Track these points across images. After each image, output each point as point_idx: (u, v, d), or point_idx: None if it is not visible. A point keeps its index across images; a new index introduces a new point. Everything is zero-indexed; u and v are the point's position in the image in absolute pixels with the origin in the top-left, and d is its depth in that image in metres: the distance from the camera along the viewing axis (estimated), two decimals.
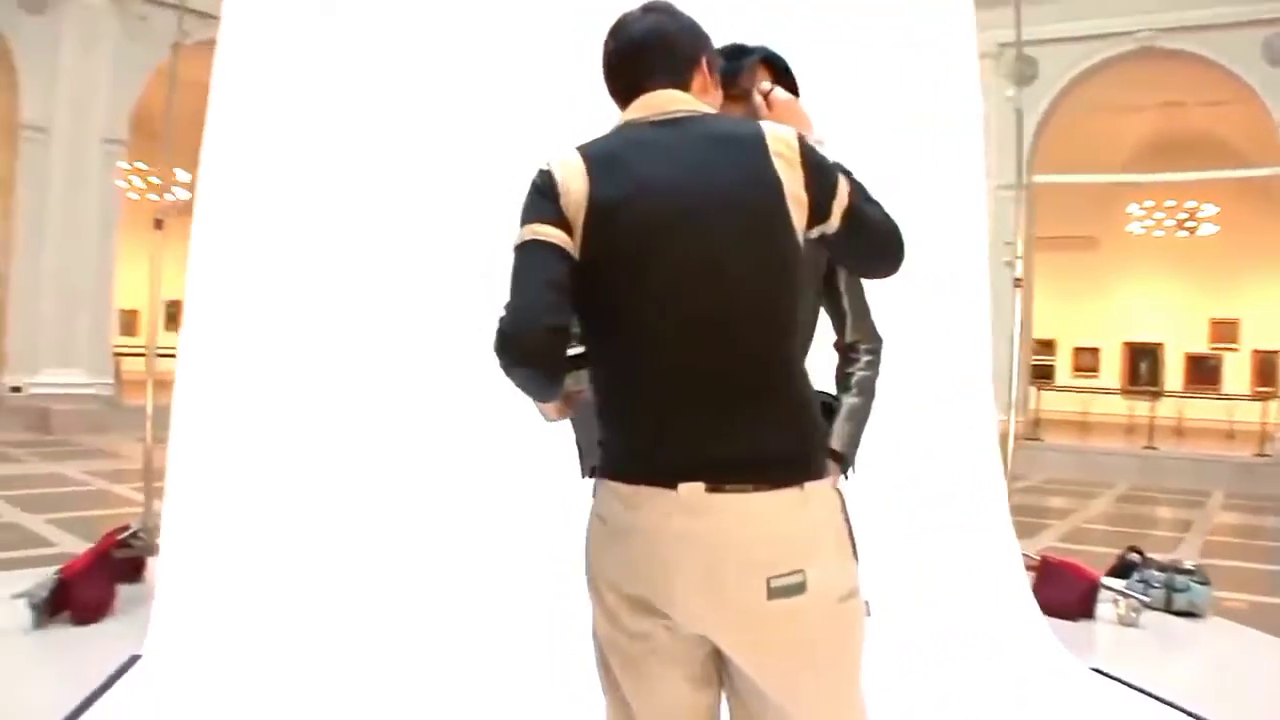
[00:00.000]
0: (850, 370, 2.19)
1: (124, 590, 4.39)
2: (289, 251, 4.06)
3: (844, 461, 2.11)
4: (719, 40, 2.08)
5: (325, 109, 4.15)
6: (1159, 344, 18.66)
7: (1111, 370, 19.21)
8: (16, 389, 12.89)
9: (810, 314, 2.13)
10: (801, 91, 2.09)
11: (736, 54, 2.07)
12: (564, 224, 1.50)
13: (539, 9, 4.17)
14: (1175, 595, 4.93)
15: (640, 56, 1.63)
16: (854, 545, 1.66)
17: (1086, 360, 19.60)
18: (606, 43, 1.68)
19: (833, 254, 1.71)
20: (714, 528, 1.46)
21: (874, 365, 2.20)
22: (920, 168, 4.21)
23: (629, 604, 1.53)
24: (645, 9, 1.69)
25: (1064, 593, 4.65)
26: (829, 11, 4.19)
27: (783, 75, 2.10)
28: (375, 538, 3.85)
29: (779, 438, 1.51)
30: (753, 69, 2.04)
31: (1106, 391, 17.62)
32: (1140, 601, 4.74)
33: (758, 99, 1.92)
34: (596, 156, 1.55)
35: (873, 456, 3.85)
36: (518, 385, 1.51)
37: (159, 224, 4.73)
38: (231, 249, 4.07)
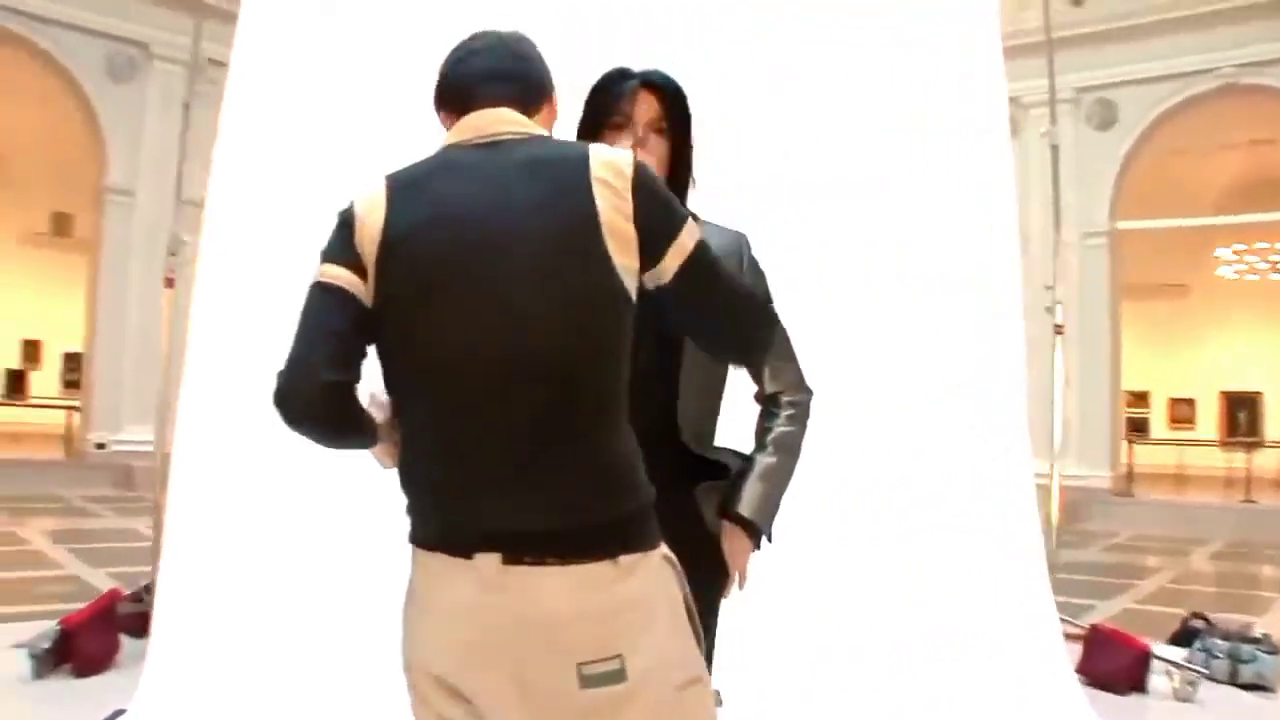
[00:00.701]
0: (769, 425, 1.97)
1: (131, 645, 4.34)
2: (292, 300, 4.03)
3: (753, 530, 1.88)
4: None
5: (335, 149, 4.14)
6: (1258, 393, 17.79)
7: (1209, 421, 18.37)
8: (101, 445, 13.22)
9: (724, 378, 1.94)
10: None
11: (619, 78, 1.88)
12: (355, 263, 1.37)
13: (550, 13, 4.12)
14: (1241, 666, 4.53)
15: (482, 75, 1.48)
16: (694, 625, 1.43)
17: (1182, 412, 18.81)
18: (443, 65, 1.53)
19: (673, 318, 1.47)
20: (514, 605, 1.29)
21: (797, 420, 1.97)
22: (949, 170, 4.08)
23: (437, 686, 1.36)
24: (487, 33, 1.54)
25: (1112, 663, 4.32)
26: (847, 12, 4.10)
27: (672, 100, 1.89)
28: (370, 600, 3.76)
29: (585, 504, 1.32)
30: (633, 94, 1.84)
31: (1204, 444, 16.81)
32: (1198, 673, 4.36)
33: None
34: (400, 183, 1.41)
35: (900, 453, 3.74)
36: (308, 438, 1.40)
37: (170, 283, 4.73)
38: (235, 297, 4.06)
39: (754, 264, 1.94)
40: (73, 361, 17.19)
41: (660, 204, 1.39)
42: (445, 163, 1.43)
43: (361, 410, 1.41)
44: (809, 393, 2.01)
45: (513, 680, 1.31)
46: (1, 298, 17.68)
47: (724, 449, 1.95)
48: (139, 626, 4.52)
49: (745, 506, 1.87)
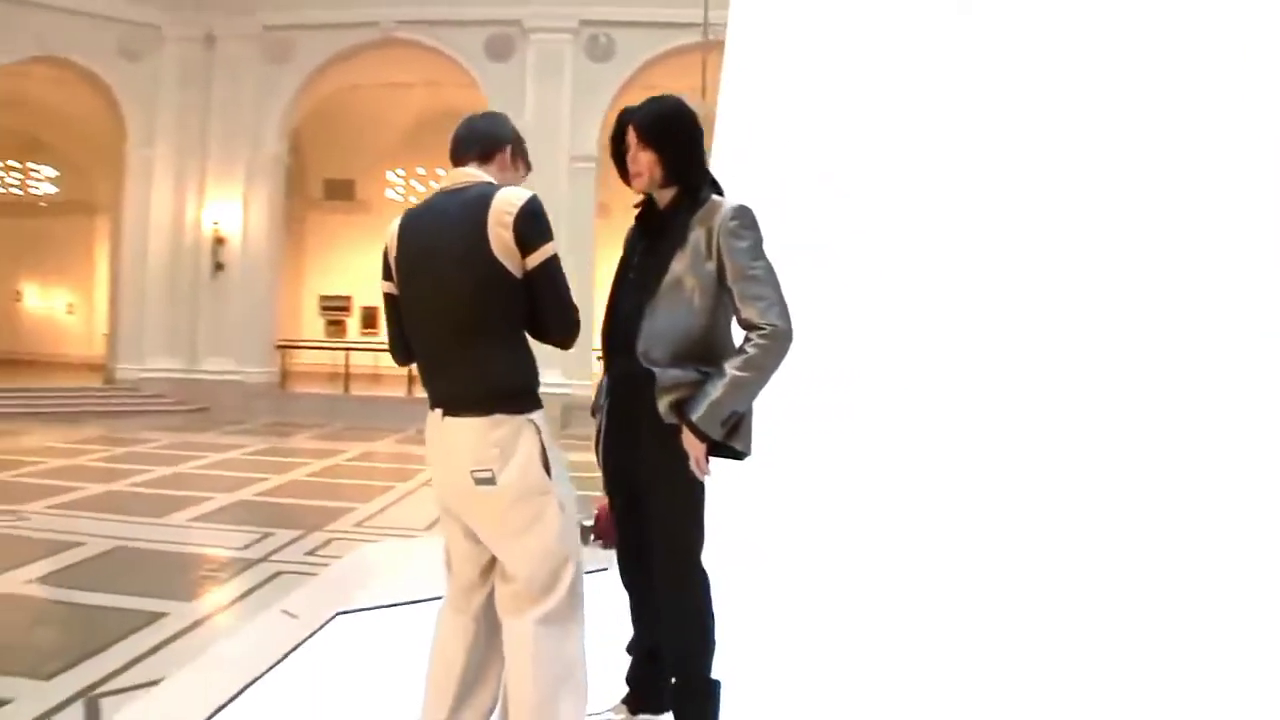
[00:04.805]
0: (739, 348, 2.57)
1: None
2: None
3: (697, 430, 2.53)
4: None
5: (826, 115, 4.56)
6: None
7: None
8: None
9: (704, 316, 2.62)
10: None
11: (622, 116, 2.76)
12: (391, 276, 2.57)
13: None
14: None
15: (458, 144, 2.59)
16: (546, 463, 2.43)
17: None
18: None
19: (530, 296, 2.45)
20: (447, 437, 2.47)
21: (756, 345, 2.52)
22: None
23: (435, 484, 2.58)
24: (470, 115, 2.67)
25: None
26: None
27: (646, 128, 2.67)
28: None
29: (474, 384, 2.43)
30: (624, 129, 2.73)
31: None
32: None
33: None
34: (406, 220, 2.57)
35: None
36: None
37: None
38: None
39: (734, 232, 2.59)
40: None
41: (532, 225, 2.39)
42: (430, 205, 2.54)
43: None
44: (777, 323, 2.53)
45: (449, 477, 2.49)
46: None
47: (691, 367, 2.60)
48: None
49: (693, 411, 2.54)
